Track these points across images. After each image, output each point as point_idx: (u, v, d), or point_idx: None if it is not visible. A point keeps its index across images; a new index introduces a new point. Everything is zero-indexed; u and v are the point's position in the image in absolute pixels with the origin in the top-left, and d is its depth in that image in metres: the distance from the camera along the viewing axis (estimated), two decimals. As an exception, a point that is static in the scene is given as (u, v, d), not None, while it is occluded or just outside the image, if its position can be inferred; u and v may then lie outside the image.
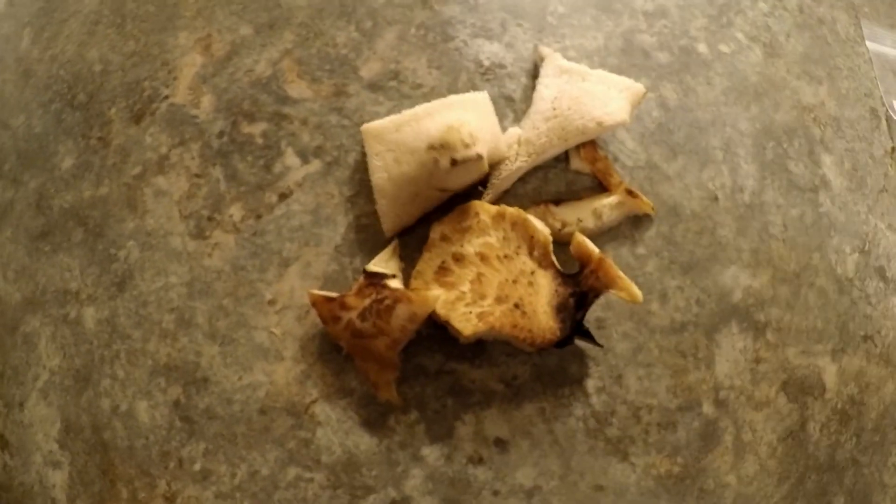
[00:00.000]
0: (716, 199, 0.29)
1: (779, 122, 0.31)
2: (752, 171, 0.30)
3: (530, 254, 0.25)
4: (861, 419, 0.31)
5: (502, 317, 0.24)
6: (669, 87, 0.29)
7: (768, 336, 0.29)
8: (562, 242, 0.26)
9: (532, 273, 0.24)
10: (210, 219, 0.25)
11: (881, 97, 0.33)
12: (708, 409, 0.27)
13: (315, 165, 0.26)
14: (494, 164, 0.25)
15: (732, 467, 0.28)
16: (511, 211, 0.25)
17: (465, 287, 0.24)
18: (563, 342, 0.24)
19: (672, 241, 0.28)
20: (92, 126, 0.25)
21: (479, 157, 0.23)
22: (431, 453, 0.25)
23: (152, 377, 0.24)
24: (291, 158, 0.26)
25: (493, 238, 0.25)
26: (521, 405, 0.26)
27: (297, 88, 0.26)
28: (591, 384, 0.26)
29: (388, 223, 0.25)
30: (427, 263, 0.25)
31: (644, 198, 0.27)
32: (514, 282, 0.24)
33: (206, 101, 0.26)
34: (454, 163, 0.23)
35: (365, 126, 0.25)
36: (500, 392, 0.25)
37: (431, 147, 0.24)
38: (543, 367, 0.26)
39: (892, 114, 0.33)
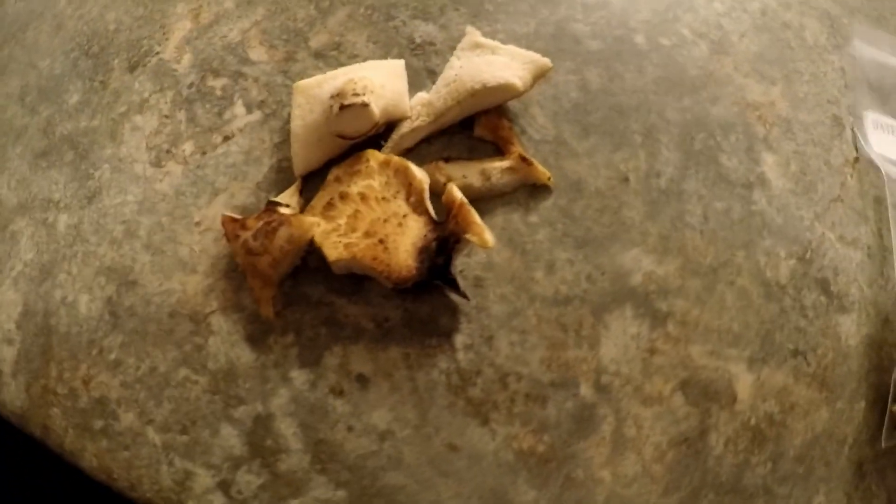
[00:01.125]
0: (626, 180, 0.28)
1: (715, 115, 0.30)
2: (673, 158, 0.29)
3: (407, 199, 0.26)
4: (781, 443, 0.27)
5: (365, 249, 0.25)
6: (594, 72, 0.30)
7: (669, 328, 0.27)
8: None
9: (404, 216, 0.26)
10: (167, 151, 0.30)
11: (848, 106, 0.30)
12: (586, 391, 0.26)
13: (256, 116, 0.30)
14: (396, 122, 0.28)
15: (608, 462, 0.26)
16: (395, 159, 0.27)
17: (342, 221, 0.26)
18: (422, 284, 0.25)
19: (569, 214, 0.28)
20: (98, 72, 0.32)
21: (364, 104, 0.26)
22: (299, 377, 0.27)
23: (96, 276, 0.29)
24: (239, 109, 0.30)
25: (375, 182, 0.27)
26: (388, 347, 0.27)
27: (257, 53, 0.31)
28: (459, 340, 0.26)
29: (299, 165, 0.28)
30: (319, 200, 0.27)
31: (540, 167, 0.27)
32: (386, 221, 0.26)
33: (186, 59, 0.31)
34: (342, 107, 0.26)
35: (296, 83, 0.29)
36: (370, 331, 0.27)
37: (331, 96, 0.27)
38: (415, 314, 0.27)
39: (860, 124, 0.30)
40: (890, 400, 0.29)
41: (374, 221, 0.26)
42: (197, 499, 0.27)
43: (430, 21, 0.31)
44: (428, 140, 0.28)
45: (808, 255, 0.30)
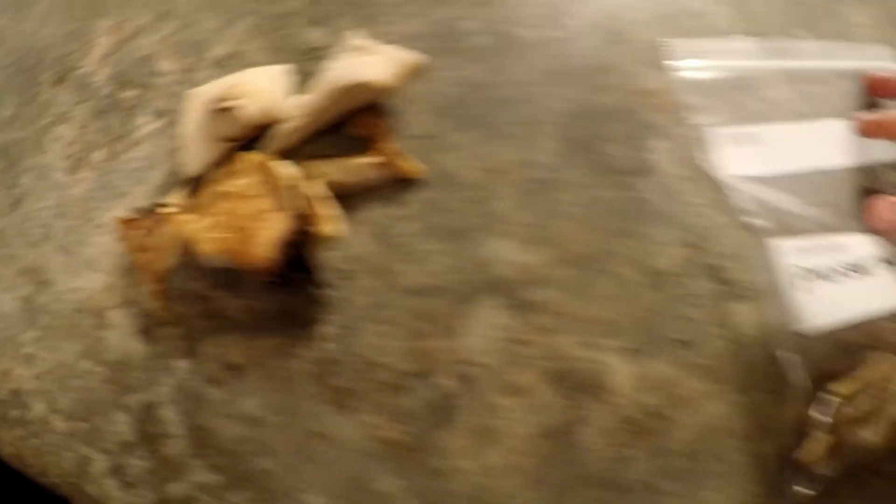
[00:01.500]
0: (498, 171, 0.28)
1: (602, 104, 0.29)
2: (552, 148, 0.29)
3: (271, 196, 0.27)
4: (665, 438, 0.26)
5: (231, 243, 0.27)
6: (477, 68, 0.30)
7: (536, 318, 0.27)
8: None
9: (268, 212, 0.27)
10: (81, 159, 0.32)
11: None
12: (446, 381, 0.26)
13: (159, 123, 0.32)
14: (275, 123, 0.29)
15: (469, 453, 0.26)
16: (263, 159, 0.28)
17: (215, 218, 0.28)
18: (281, 275, 0.26)
19: (439, 207, 0.28)
20: (30, 86, 0.35)
21: (240, 108, 0.27)
22: (182, 367, 0.28)
23: (17, 276, 0.31)
24: (145, 118, 0.32)
25: (245, 181, 0.28)
26: (261, 338, 0.28)
27: (165, 64, 0.33)
28: (326, 330, 0.27)
29: (188, 167, 0.30)
30: (200, 199, 0.29)
31: (409, 162, 0.28)
32: (252, 217, 0.27)
33: (104, 72, 0.34)
34: (217, 111, 0.28)
35: (191, 91, 0.30)
36: (246, 322, 0.28)
37: (209, 102, 0.28)
38: (287, 306, 0.28)
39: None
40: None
41: (241, 217, 0.27)
42: (94, 482, 0.29)
43: (321, 26, 0.32)
44: (309, 140, 0.29)
45: (698, 242, 0.29)
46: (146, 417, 0.28)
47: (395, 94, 0.29)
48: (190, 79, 0.32)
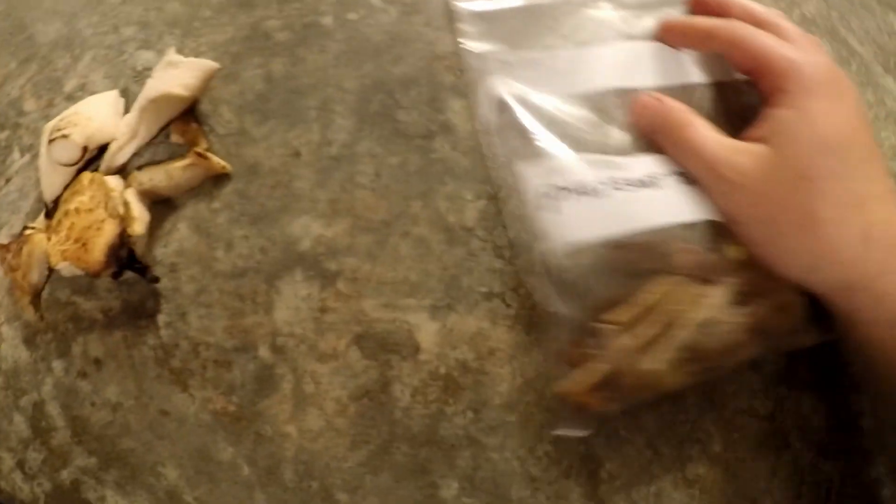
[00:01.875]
0: (297, 154, 0.30)
1: (397, 74, 0.31)
2: (347, 125, 0.31)
3: (105, 207, 0.31)
4: (482, 392, 0.28)
5: (74, 253, 0.30)
6: (279, 62, 0.32)
7: (339, 286, 0.29)
8: (147, 199, 0.31)
9: (103, 221, 0.30)
10: (-30, 200, 0.37)
11: None
12: (264, 353, 0.29)
13: (27, 159, 0.36)
14: (107, 144, 0.32)
15: (292, 418, 0.28)
16: (97, 176, 0.32)
17: (64, 233, 0.31)
18: (115, 274, 0.29)
19: (246, 195, 0.31)
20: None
21: (65, 136, 0.31)
22: (57, 366, 0.32)
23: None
24: (16, 154, 0.36)
25: (86, 196, 0.31)
26: (113, 332, 0.31)
27: (29, 104, 0.37)
28: (161, 319, 0.30)
29: (45, 193, 0.34)
30: (55, 218, 0.33)
31: (214, 159, 0.31)
32: (89, 228, 0.31)
33: (-17, 119, 0.38)
34: (50, 142, 0.31)
35: (43, 126, 0.34)
36: (100, 320, 0.31)
37: (50, 132, 0.32)
38: (129, 302, 0.31)
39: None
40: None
41: (82, 229, 0.31)
42: (4, 478, 0.33)
43: (150, 49, 0.35)
44: (139, 153, 0.33)
45: (501, 194, 0.30)
46: (36, 414, 0.33)
47: (201, 99, 0.32)
48: (49, 114, 0.36)
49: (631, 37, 0.33)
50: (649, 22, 0.33)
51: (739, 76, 0.32)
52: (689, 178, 0.29)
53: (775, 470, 0.29)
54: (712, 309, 0.27)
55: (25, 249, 0.32)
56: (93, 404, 0.31)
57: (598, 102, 0.31)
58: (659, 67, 0.32)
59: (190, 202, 0.31)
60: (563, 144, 0.30)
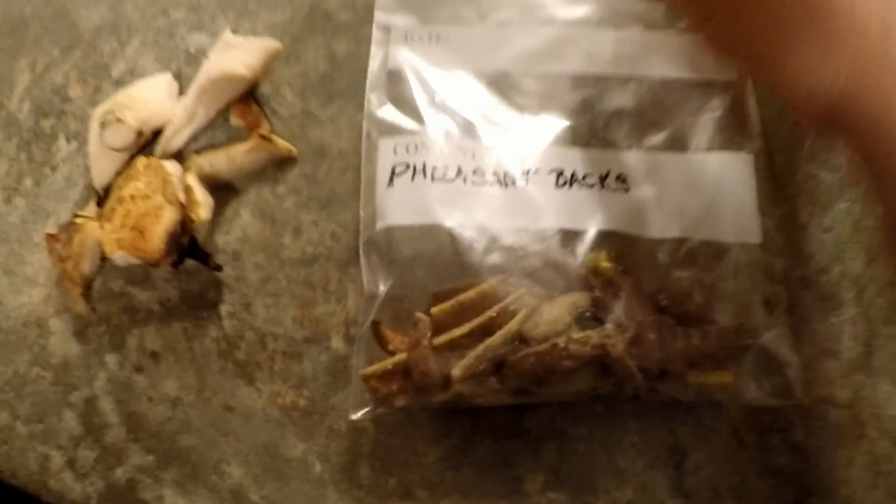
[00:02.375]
0: (369, 136, 0.29)
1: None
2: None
3: (163, 193, 0.29)
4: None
5: (130, 241, 0.29)
6: (343, 42, 0.31)
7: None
8: (207, 184, 0.30)
9: (161, 208, 0.29)
10: (14, 189, 0.35)
11: None
12: (337, 344, 0.28)
13: (74, 146, 0.34)
14: (163, 128, 0.31)
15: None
16: (154, 161, 0.30)
17: (118, 221, 0.30)
18: (175, 263, 0.28)
19: (314, 179, 0.29)
20: (-33, 129, 0.38)
21: (119, 120, 0.30)
22: (111, 360, 0.31)
23: (-26, 300, 0.35)
24: (62, 142, 0.35)
25: (141, 183, 0.30)
26: (171, 324, 0.30)
27: (75, 90, 0.35)
28: (224, 309, 0.29)
29: (96, 179, 0.32)
30: (108, 205, 0.31)
31: (279, 141, 0.29)
32: (146, 215, 0.29)
33: (25, 107, 0.36)
34: (103, 126, 0.30)
35: (92, 112, 0.33)
36: (157, 312, 0.30)
37: (102, 117, 0.31)
38: (189, 292, 0.30)
39: None
40: (356, 364, 0.26)
41: (139, 217, 0.30)
42: (54, 478, 0.31)
43: (203, 31, 0.34)
44: (196, 137, 0.31)
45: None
46: (88, 411, 0.31)
47: (261, 81, 0.30)
48: (96, 100, 0.35)
49: (555, 22, 0.31)
50: (580, 11, 0.32)
51: (662, 74, 0.31)
52: (564, 180, 0.28)
53: (852, 459, 0.28)
54: (539, 324, 0.25)
55: (77, 239, 0.31)
56: (150, 399, 0.30)
57: (498, 85, 0.30)
58: (574, 56, 0.31)
59: (252, 187, 0.30)
60: (436, 124, 0.29)
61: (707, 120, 0.32)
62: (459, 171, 0.27)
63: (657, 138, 0.30)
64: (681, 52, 0.33)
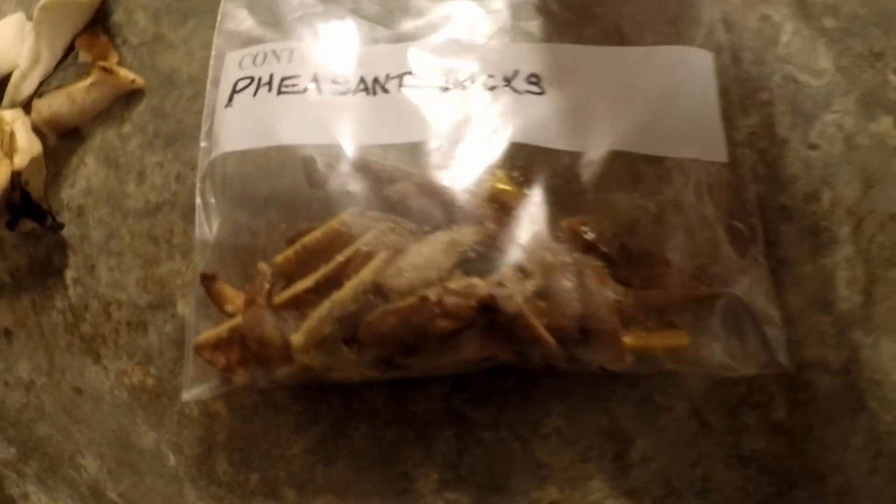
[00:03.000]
0: (219, 54, 0.24)
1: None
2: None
3: (1, 146, 0.25)
4: None
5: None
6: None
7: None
8: (52, 130, 0.25)
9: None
10: None
11: None
12: (183, 309, 0.23)
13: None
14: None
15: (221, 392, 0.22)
16: (-8, 108, 0.26)
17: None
18: (9, 224, 0.24)
19: (161, 112, 0.24)
20: None
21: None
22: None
23: None
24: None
25: (-18, 135, 0.26)
26: (21, 297, 0.26)
27: None
28: (69, 275, 0.25)
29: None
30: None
31: (122, 72, 0.24)
32: (-17, 171, 0.25)
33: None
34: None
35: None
36: (8, 283, 0.26)
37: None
38: (36, 258, 0.25)
39: None
40: (188, 332, 0.20)
41: (-24, 173, 0.26)
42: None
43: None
44: (48, 80, 0.27)
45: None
46: (-47, 398, 0.28)
47: (114, 7, 0.26)
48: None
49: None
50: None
51: None
52: (453, 82, 0.22)
53: (847, 439, 0.21)
54: (403, 270, 0.18)
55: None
56: (6, 384, 0.26)
57: None
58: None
59: (98, 130, 0.25)
60: (296, 28, 0.23)
61: (652, 7, 0.24)
62: (315, 79, 0.21)
63: (583, 28, 0.24)
64: None
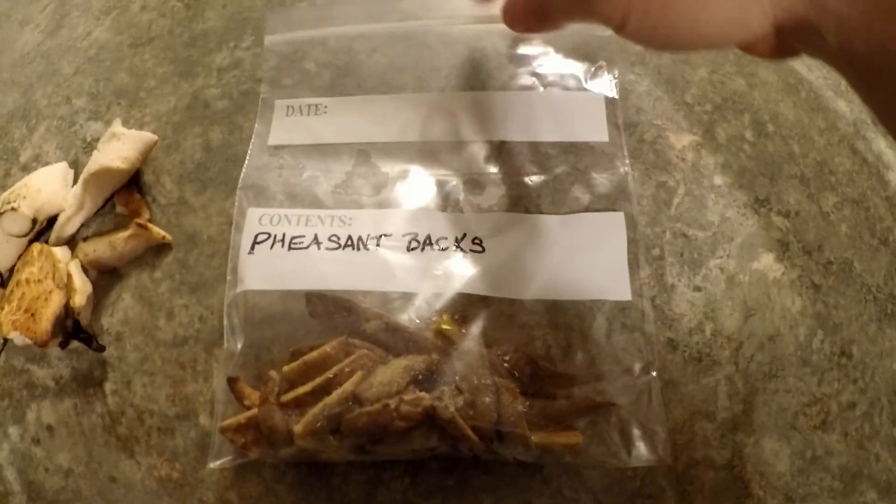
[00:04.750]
0: (240, 204, 0.31)
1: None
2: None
3: (53, 278, 0.32)
4: None
5: (23, 323, 0.31)
6: (217, 130, 0.33)
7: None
8: (94, 268, 0.32)
9: (51, 292, 0.32)
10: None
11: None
12: (204, 420, 0.30)
13: (-14, 226, 0.37)
14: (56, 215, 0.34)
15: (233, 484, 0.29)
16: (45, 247, 0.33)
17: (15, 303, 0.32)
18: (62, 344, 0.31)
19: (186, 264, 0.32)
20: None
21: (13, 209, 0.32)
22: (14, 432, 0.33)
23: None
24: (-22, 222, 0.38)
25: (35, 267, 0.33)
26: (63, 400, 0.32)
27: (-13, 177, 0.38)
28: (108, 387, 0.31)
29: (0, 262, 0.35)
30: (9, 287, 0.34)
31: (154, 229, 0.32)
32: (38, 298, 0.32)
33: (-52, 190, 0.39)
34: (1, 213, 0.33)
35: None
36: (52, 388, 0.32)
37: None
38: (79, 370, 0.32)
39: None
40: (216, 418, 0.28)
41: (32, 300, 0.32)
42: (-30, 541, 0.34)
43: (99, 119, 0.36)
44: (87, 223, 0.34)
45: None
46: (-4, 480, 0.34)
47: (145, 169, 0.33)
48: (5, 184, 0.37)
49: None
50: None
51: (532, 138, 0.33)
52: (416, 244, 0.30)
53: None
54: (373, 384, 0.27)
55: (-22, 321, 0.34)
56: (46, 470, 0.32)
57: (365, 155, 0.32)
58: (443, 123, 0.33)
59: (134, 272, 0.32)
60: (300, 197, 0.31)
61: (580, 180, 0.33)
62: (315, 239, 0.30)
63: (524, 198, 0.32)
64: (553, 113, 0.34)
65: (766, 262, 0.31)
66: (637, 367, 0.29)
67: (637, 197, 0.32)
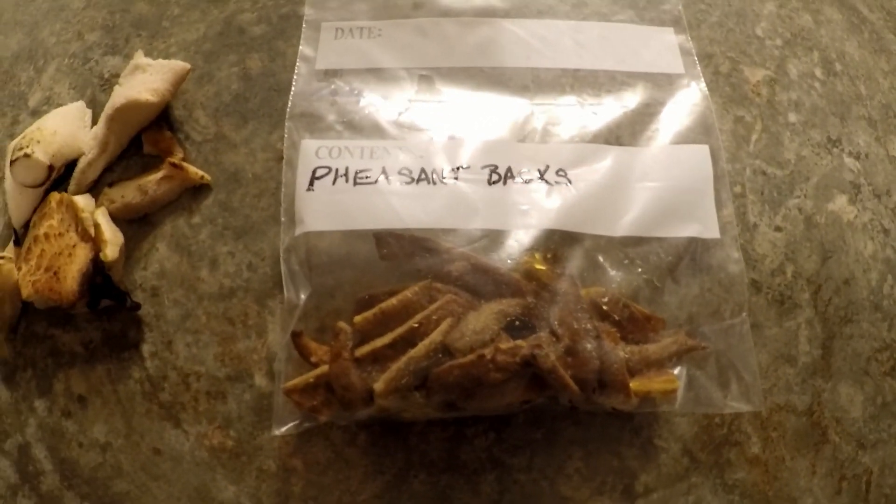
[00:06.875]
0: (281, 159, 0.27)
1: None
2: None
3: (76, 230, 0.28)
4: None
5: (44, 283, 0.28)
6: (256, 57, 0.30)
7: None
8: (122, 217, 0.29)
9: (74, 246, 0.28)
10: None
11: None
12: (260, 381, 0.26)
13: (-7, 180, 0.33)
14: (75, 160, 0.30)
15: (297, 450, 0.26)
16: (65, 196, 0.29)
17: (34, 262, 0.29)
18: (90, 304, 0.27)
19: (228, 207, 0.28)
20: None
21: (27, 156, 0.28)
22: (40, 406, 0.29)
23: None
24: (-18, 177, 0.34)
25: (54, 220, 0.29)
26: (95, 366, 0.28)
27: (-7, 123, 0.34)
28: (146, 349, 0.28)
29: (13, 218, 0.31)
30: (25, 245, 0.30)
31: (191, 169, 0.28)
32: (60, 254, 0.28)
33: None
34: (12, 162, 0.29)
35: (5, 147, 0.32)
36: (81, 354, 0.29)
37: (11, 151, 0.29)
38: (110, 332, 0.28)
39: None
40: (277, 378, 0.25)
41: (53, 256, 0.28)
42: (-6, 528, 0.31)
43: (117, 54, 0.32)
44: (111, 168, 0.30)
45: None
46: (23, 458, 0.30)
47: (174, 104, 0.29)
48: (14, 132, 0.33)
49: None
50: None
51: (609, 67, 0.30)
52: (498, 177, 0.26)
53: (814, 467, 0.27)
54: (464, 334, 0.23)
55: (-3, 282, 0.30)
56: (80, 445, 0.29)
57: (429, 81, 0.29)
58: (513, 49, 0.30)
59: (168, 218, 0.28)
60: (362, 125, 0.28)
61: (660, 112, 0.30)
62: (384, 172, 0.26)
63: (603, 130, 0.29)
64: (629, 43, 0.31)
65: (840, 203, 0.30)
66: (727, 309, 0.27)
67: (716, 132, 0.30)
